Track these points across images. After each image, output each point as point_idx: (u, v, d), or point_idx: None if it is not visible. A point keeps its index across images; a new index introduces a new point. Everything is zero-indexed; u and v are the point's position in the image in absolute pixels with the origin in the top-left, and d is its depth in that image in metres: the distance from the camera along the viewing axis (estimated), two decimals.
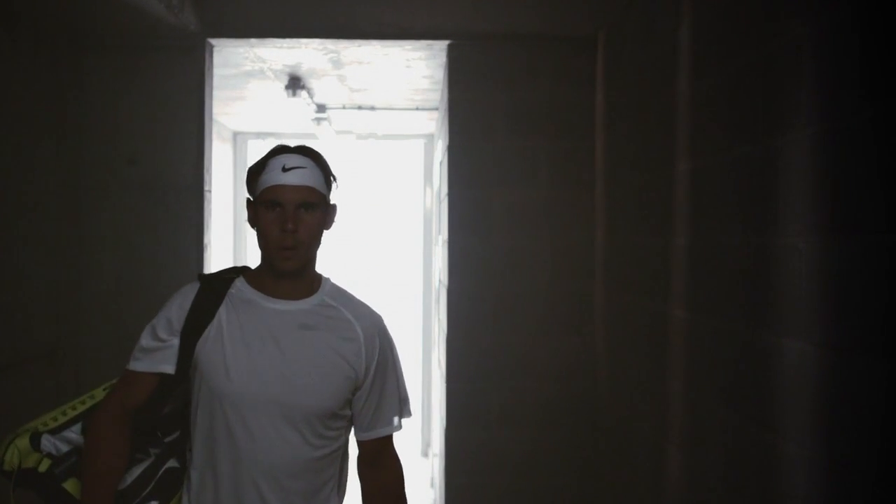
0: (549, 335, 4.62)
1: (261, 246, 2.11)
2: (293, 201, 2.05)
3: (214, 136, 5.58)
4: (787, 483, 2.25)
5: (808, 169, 2.18)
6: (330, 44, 4.78)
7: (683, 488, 3.09)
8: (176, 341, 2.08)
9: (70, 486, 2.12)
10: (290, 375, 2.05)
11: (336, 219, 2.20)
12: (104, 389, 2.22)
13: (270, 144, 2.23)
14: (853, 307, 1.96)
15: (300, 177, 2.07)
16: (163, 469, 2.14)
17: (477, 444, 4.65)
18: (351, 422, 2.19)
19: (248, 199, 2.15)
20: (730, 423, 2.65)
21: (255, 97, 6.72)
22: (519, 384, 4.63)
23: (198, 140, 4.45)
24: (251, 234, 10.67)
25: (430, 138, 8.62)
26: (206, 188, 4.51)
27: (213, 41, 4.54)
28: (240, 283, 2.15)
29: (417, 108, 7.09)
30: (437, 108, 6.82)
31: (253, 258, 8.02)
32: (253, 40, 4.67)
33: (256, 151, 8.88)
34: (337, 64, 5.39)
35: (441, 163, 5.77)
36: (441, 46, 4.71)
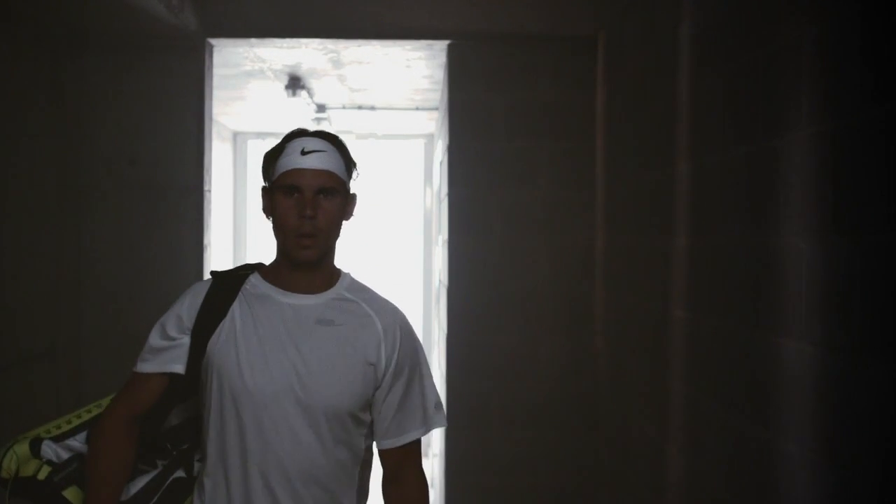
0: (549, 335, 4.62)
1: (276, 235, 1.99)
2: (312, 186, 1.93)
3: (214, 136, 5.58)
4: (787, 483, 2.25)
5: (808, 169, 2.18)
6: (330, 44, 4.78)
7: (683, 488, 3.09)
8: (187, 339, 1.97)
9: (70, 494, 2.01)
10: (307, 373, 1.93)
11: (355, 210, 2.06)
12: (111, 399, 2.10)
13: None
14: (853, 307, 1.96)
15: (320, 160, 1.95)
16: (170, 479, 2.05)
17: (477, 444, 4.65)
18: (372, 429, 2.05)
19: (263, 187, 2.02)
20: (730, 422, 2.64)
21: (254, 97, 6.72)
22: (519, 384, 4.63)
23: (198, 140, 4.45)
24: (251, 234, 10.55)
25: (430, 138, 8.62)
26: (206, 188, 4.51)
27: (213, 41, 4.54)
28: (254, 279, 2.03)
29: (417, 108, 7.09)
30: (437, 108, 6.82)
31: (253, 258, 8.00)
32: (253, 40, 4.67)
33: (256, 151, 8.87)
34: (337, 64, 5.39)
35: (441, 163, 5.77)
36: (441, 46, 4.71)
